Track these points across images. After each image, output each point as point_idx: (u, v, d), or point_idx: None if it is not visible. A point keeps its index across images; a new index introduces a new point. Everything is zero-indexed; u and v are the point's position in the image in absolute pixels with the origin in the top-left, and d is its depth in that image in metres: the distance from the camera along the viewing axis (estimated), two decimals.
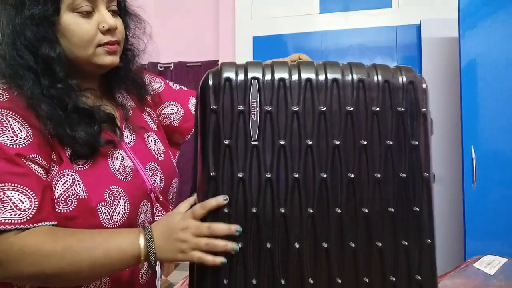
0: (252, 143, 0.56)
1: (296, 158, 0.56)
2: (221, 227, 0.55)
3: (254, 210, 0.56)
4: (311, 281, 0.56)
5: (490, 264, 0.88)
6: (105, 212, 0.63)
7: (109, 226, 0.63)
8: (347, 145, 0.57)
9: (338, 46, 2.67)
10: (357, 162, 0.57)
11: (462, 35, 1.98)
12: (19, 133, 0.58)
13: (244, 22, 2.87)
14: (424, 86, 0.64)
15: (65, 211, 0.60)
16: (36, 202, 0.57)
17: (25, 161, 0.58)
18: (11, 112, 0.59)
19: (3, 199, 0.54)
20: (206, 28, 3.14)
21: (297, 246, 0.56)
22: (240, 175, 0.56)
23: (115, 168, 0.67)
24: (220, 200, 0.55)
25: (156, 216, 0.73)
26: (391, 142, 0.57)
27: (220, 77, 0.62)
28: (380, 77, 0.62)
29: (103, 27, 0.65)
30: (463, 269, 0.91)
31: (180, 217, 0.57)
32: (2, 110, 0.59)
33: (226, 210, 0.55)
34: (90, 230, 0.60)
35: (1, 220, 0.54)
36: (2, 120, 0.58)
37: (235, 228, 0.55)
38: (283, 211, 0.56)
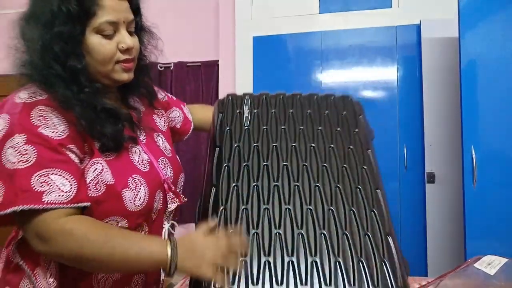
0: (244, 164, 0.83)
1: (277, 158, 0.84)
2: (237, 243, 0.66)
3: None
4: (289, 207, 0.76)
5: (490, 264, 0.88)
6: (128, 197, 0.72)
7: (131, 210, 0.72)
8: (301, 146, 0.87)
9: (338, 46, 2.66)
10: (308, 155, 0.85)
11: (462, 35, 1.98)
12: (58, 127, 0.68)
13: (244, 22, 2.87)
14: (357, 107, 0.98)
15: (95, 195, 0.69)
16: (76, 185, 0.66)
17: (65, 150, 0.67)
18: (50, 108, 0.68)
19: (48, 183, 0.63)
20: (206, 28, 3.14)
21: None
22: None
23: (135, 160, 0.77)
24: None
25: (169, 203, 0.84)
26: (333, 145, 0.87)
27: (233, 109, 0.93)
28: (322, 109, 0.95)
29: (122, 47, 0.74)
30: (463, 269, 0.90)
31: (204, 237, 0.67)
32: (44, 106, 0.68)
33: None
34: (125, 230, 0.70)
35: (49, 200, 0.62)
36: (45, 115, 0.67)
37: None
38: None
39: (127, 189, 0.72)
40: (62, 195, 0.64)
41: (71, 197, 0.65)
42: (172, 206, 0.84)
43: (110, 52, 0.73)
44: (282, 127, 0.90)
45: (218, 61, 3.03)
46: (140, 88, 0.87)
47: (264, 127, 0.89)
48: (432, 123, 2.43)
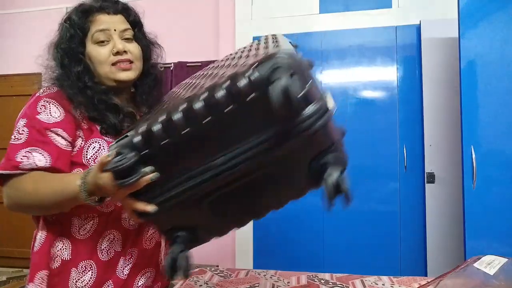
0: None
1: None
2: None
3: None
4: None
5: (490, 264, 0.88)
6: None
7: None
8: None
9: (338, 46, 2.67)
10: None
11: (462, 35, 1.98)
12: (54, 114, 0.86)
13: (244, 22, 2.87)
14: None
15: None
16: (50, 163, 0.82)
17: (49, 133, 0.84)
18: (53, 100, 0.87)
19: (29, 157, 0.81)
20: (206, 28, 3.14)
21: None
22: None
23: None
24: (104, 156, 0.67)
25: None
26: None
27: None
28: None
29: (114, 50, 0.90)
30: (463, 269, 0.91)
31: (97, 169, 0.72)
32: (48, 98, 0.87)
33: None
34: (56, 175, 0.81)
35: (23, 167, 0.81)
36: (45, 105, 0.87)
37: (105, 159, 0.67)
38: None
39: None
40: (32, 166, 0.81)
41: (44, 169, 0.81)
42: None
43: (104, 56, 0.90)
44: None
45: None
46: (147, 92, 1.00)
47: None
48: (432, 123, 2.43)
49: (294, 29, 2.76)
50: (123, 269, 0.93)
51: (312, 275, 1.44)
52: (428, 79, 2.45)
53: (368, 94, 2.61)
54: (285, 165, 0.64)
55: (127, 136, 0.65)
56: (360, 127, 2.57)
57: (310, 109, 0.57)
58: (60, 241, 0.89)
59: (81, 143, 0.87)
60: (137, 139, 0.63)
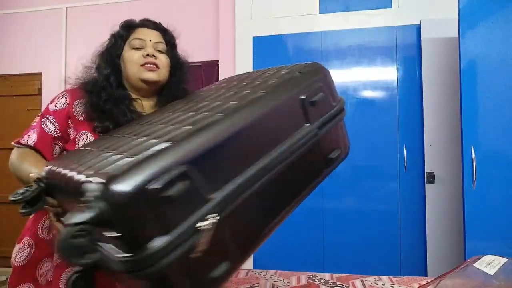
0: None
1: None
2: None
3: None
4: None
5: (490, 264, 0.88)
6: None
7: None
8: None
9: (338, 46, 2.67)
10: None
11: (462, 35, 1.98)
12: (58, 104, 1.04)
13: (244, 22, 2.87)
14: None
15: None
16: (34, 141, 1.01)
17: (43, 118, 1.03)
18: (66, 94, 1.05)
19: (29, 135, 1.02)
20: (206, 28, 3.14)
21: None
22: None
23: None
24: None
25: None
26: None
27: None
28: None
29: (144, 53, 1.06)
30: (463, 269, 0.91)
31: None
32: (65, 92, 1.06)
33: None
34: (32, 160, 0.98)
35: (22, 142, 1.01)
36: (59, 96, 1.05)
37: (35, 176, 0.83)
38: None
39: None
40: (25, 143, 1.01)
41: (26, 143, 1.01)
42: None
43: (137, 58, 1.05)
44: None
45: (218, 61, 3.03)
46: (164, 102, 1.11)
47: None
48: (432, 123, 2.43)
49: (294, 29, 2.76)
50: None
51: (312, 275, 1.44)
52: (428, 79, 2.45)
53: (368, 94, 2.61)
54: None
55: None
56: (360, 127, 2.57)
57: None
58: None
59: (73, 133, 1.03)
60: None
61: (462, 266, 0.92)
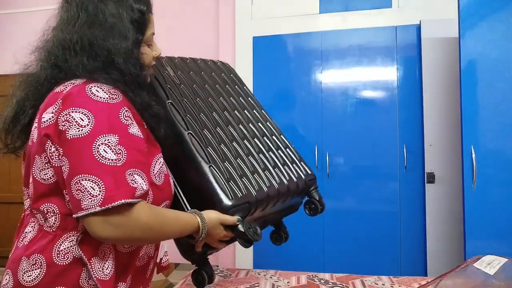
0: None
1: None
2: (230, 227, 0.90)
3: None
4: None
5: (490, 264, 0.88)
6: (171, 183, 0.87)
7: (172, 194, 0.88)
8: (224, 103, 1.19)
9: (338, 46, 2.67)
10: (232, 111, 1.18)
11: (462, 35, 1.98)
12: (138, 127, 0.76)
13: (244, 22, 2.87)
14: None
15: (159, 183, 0.81)
16: (147, 185, 0.73)
17: (145, 152, 0.76)
18: (130, 110, 0.76)
19: (135, 180, 0.70)
20: (206, 28, 3.14)
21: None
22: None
23: None
24: (234, 220, 0.89)
25: None
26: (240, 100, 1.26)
27: None
28: None
29: (155, 53, 0.90)
30: (463, 269, 0.91)
31: (219, 222, 0.88)
32: (127, 107, 0.75)
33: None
34: (170, 210, 0.81)
35: (139, 194, 0.70)
36: (130, 115, 0.75)
37: (236, 219, 0.89)
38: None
39: (170, 177, 0.88)
40: (142, 192, 0.71)
41: (143, 192, 0.72)
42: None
43: (151, 58, 0.89)
44: (205, 85, 1.17)
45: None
46: None
47: (194, 85, 1.11)
48: (432, 123, 2.43)
49: (294, 29, 2.76)
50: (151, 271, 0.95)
51: (312, 275, 1.44)
52: (428, 79, 2.45)
53: (368, 94, 2.61)
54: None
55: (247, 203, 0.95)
56: (360, 127, 2.57)
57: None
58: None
59: (152, 157, 0.81)
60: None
61: (462, 266, 0.92)
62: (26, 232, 0.79)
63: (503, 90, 1.93)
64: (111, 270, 0.76)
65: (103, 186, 0.66)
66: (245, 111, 1.21)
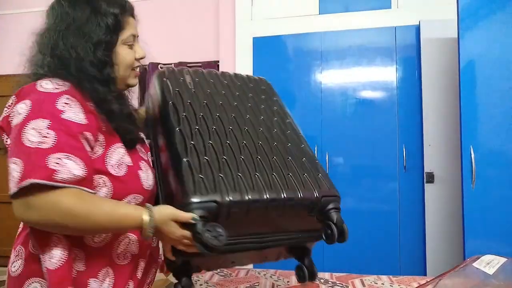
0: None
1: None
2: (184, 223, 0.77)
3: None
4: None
5: (489, 263, 0.89)
6: (143, 177, 0.85)
7: (146, 188, 0.85)
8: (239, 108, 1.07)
9: (337, 46, 2.67)
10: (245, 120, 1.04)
11: (461, 36, 1.98)
12: (79, 115, 0.76)
13: (244, 22, 2.87)
14: None
15: (119, 175, 0.80)
16: (85, 172, 0.72)
17: (81, 138, 0.74)
18: (74, 99, 0.77)
19: (61, 164, 0.69)
20: (206, 29, 3.14)
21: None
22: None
23: (139, 149, 0.91)
24: (188, 216, 0.76)
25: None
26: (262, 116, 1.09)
27: None
28: None
29: (139, 55, 0.91)
30: (462, 268, 0.91)
31: (170, 218, 0.78)
32: (70, 96, 0.76)
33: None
34: (105, 200, 0.78)
35: (58, 178, 0.68)
36: (70, 103, 0.76)
37: (192, 216, 0.76)
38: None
39: (141, 170, 0.85)
40: (71, 177, 0.69)
41: (78, 180, 0.71)
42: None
43: (131, 60, 0.89)
44: (222, 91, 1.09)
45: (218, 61, 3.04)
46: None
47: (208, 91, 1.06)
48: (431, 123, 2.44)
49: (294, 30, 2.77)
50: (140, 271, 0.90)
51: None
52: (427, 80, 2.46)
53: (367, 94, 2.62)
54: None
55: (214, 202, 0.79)
56: (359, 127, 2.57)
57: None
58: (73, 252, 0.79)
59: (102, 149, 0.80)
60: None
61: (462, 266, 0.92)
62: (21, 226, 0.86)
63: (502, 90, 1.94)
64: (59, 260, 0.75)
65: (22, 167, 0.68)
66: (261, 117, 1.07)
